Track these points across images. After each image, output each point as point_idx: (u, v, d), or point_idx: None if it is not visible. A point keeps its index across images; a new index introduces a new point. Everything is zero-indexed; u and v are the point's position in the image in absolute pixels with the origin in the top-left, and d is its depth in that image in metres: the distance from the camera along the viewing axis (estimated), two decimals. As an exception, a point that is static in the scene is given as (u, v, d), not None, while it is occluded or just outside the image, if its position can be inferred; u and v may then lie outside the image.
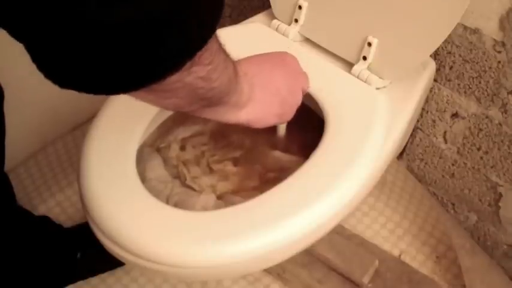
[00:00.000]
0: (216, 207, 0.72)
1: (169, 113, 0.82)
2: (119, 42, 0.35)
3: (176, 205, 0.73)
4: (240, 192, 0.76)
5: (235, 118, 0.57)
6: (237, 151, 0.82)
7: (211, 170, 0.80)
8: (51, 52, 0.36)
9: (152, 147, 0.81)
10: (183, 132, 0.84)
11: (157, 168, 0.77)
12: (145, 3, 0.35)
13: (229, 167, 0.80)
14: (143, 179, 0.74)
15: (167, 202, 0.73)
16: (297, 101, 0.66)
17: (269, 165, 0.80)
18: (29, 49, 0.37)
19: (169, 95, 0.45)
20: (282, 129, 0.78)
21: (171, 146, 0.81)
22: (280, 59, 0.66)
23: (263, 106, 0.60)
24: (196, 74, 0.43)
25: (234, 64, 0.52)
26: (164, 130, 0.83)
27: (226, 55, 0.49)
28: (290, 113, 0.66)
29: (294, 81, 0.66)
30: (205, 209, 0.72)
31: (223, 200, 0.75)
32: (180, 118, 0.84)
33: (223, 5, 0.42)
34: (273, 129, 0.76)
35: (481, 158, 0.94)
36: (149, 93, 0.43)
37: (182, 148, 0.82)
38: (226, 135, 0.84)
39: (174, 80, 0.41)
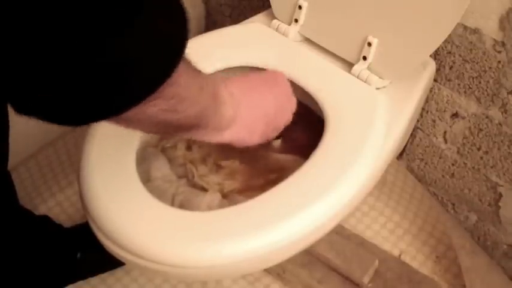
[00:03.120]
0: (221, 206, 0.72)
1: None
2: (82, 79, 0.36)
3: (181, 204, 0.74)
4: (247, 190, 0.76)
5: (217, 139, 0.58)
6: (242, 152, 0.82)
7: (218, 169, 0.80)
8: (19, 82, 0.36)
9: (157, 147, 0.81)
10: None
11: (162, 168, 0.78)
12: (106, 49, 0.36)
13: (237, 165, 0.80)
14: (148, 178, 0.75)
15: (172, 201, 0.74)
16: (284, 121, 0.67)
17: (270, 166, 0.80)
18: None
19: (133, 124, 0.46)
20: (276, 142, 0.79)
21: (177, 146, 0.82)
22: (272, 80, 0.67)
23: (248, 127, 0.61)
24: (158, 106, 0.43)
25: (216, 90, 0.53)
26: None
27: (202, 84, 0.50)
28: (275, 132, 0.67)
29: (283, 103, 0.67)
30: (210, 208, 0.72)
31: (228, 199, 0.75)
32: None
33: (184, 46, 0.42)
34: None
35: (481, 158, 0.94)
36: (115, 122, 0.44)
37: (188, 148, 0.82)
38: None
39: (134, 112, 0.41)
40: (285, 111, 0.67)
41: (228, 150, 0.82)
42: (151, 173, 0.76)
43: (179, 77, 0.43)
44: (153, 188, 0.73)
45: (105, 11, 0.35)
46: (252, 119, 0.61)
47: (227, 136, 0.58)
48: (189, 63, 0.47)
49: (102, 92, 0.38)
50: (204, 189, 0.77)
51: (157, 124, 0.47)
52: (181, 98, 0.46)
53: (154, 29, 0.39)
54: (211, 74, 0.56)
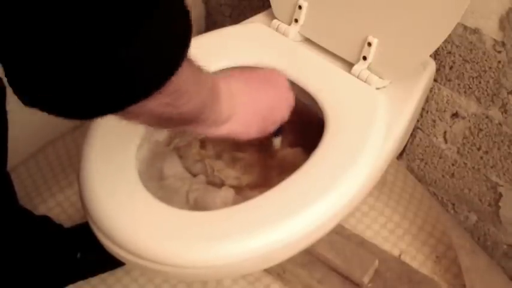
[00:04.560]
0: (235, 202, 0.73)
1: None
2: (91, 77, 0.38)
3: (196, 201, 0.75)
4: (263, 184, 0.77)
5: (215, 133, 0.60)
6: (253, 146, 0.84)
7: (234, 164, 0.81)
8: (30, 73, 0.38)
9: (168, 146, 0.82)
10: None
11: (174, 166, 0.79)
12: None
13: (252, 157, 0.82)
14: (161, 177, 0.76)
15: (186, 198, 0.75)
16: (281, 117, 0.69)
17: (280, 159, 0.82)
18: (4, 63, 0.38)
19: (133, 117, 0.47)
20: (277, 142, 0.79)
21: (192, 144, 0.83)
22: (269, 77, 0.69)
23: (245, 122, 0.63)
24: (159, 100, 0.45)
25: (215, 85, 0.55)
26: (180, 131, 0.85)
27: (201, 79, 0.52)
28: (273, 127, 0.69)
29: (280, 100, 0.69)
30: (225, 204, 0.74)
31: (242, 195, 0.75)
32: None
33: (187, 46, 0.44)
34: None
35: (481, 158, 0.94)
36: (116, 115, 0.45)
37: (202, 146, 0.84)
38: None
39: (136, 106, 0.43)
40: (282, 106, 0.69)
41: (241, 146, 0.83)
42: (164, 172, 0.77)
43: (181, 73, 0.44)
44: (166, 186, 0.75)
45: (114, 19, 0.36)
46: (249, 114, 0.63)
47: (225, 130, 0.60)
48: (189, 59, 0.48)
49: (109, 89, 0.40)
50: (218, 186, 0.78)
51: (158, 117, 0.48)
52: (182, 93, 0.47)
53: (161, 32, 0.40)
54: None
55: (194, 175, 0.80)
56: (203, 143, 0.84)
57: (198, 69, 0.51)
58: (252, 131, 0.65)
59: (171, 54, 0.43)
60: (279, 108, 0.68)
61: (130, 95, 0.41)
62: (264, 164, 0.82)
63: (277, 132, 0.74)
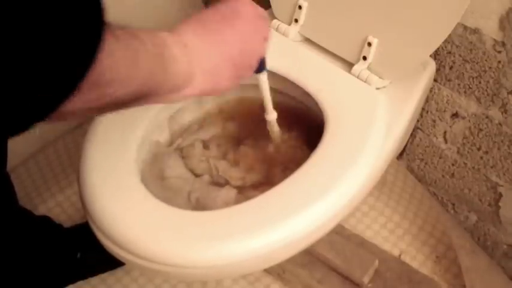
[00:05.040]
0: (237, 201, 0.73)
1: (171, 114, 0.83)
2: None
3: (198, 201, 0.75)
4: (267, 183, 0.77)
5: (179, 98, 0.52)
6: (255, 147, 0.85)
7: (237, 164, 0.81)
8: None
9: (169, 147, 0.83)
10: (203, 134, 0.86)
11: (176, 167, 0.79)
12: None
13: (256, 155, 0.82)
14: (163, 177, 0.76)
15: (188, 198, 0.75)
16: (257, 55, 0.60)
17: (282, 156, 0.82)
18: None
19: (67, 117, 0.41)
20: (272, 116, 0.78)
21: (195, 144, 0.83)
22: (232, 12, 0.57)
23: (212, 75, 0.54)
24: (84, 97, 0.39)
25: (160, 48, 0.47)
26: (181, 132, 0.86)
27: (137, 53, 0.43)
28: (249, 71, 0.60)
29: (250, 35, 0.58)
30: (227, 203, 0.74)
31: (244, 194, 0.76)
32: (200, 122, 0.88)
33: (98, 40, 0.37)
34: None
35: (481, 158, 0.94)
36: (49, 121, 0.39)
37: (205, 147, 0.84)
38: (241, 138, 0.86)
39: (61, 111, 0.37)
40: (254, 42, 0.59)
41: (241, 140, 0.84)
42: (166, 172, 0.77)
43: (99, 64, 0.38)
44: (168, 187, 0.75)
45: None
46: (214, 65, 0.54)
47: (189, 92, 0.52)
48: (115, 39, 0.40)
49: (15, 106, 0.34)
50: (222, 186, 0.78)
51: (94, 110, 0.42)
52: (107, 82, 0.40)
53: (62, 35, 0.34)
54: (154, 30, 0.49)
55: (198, 175, 0.81)
56: (207, 144, 0.84)
57: (130, 41, 0.43)
58: (224, 83, 0.56)
59: (74, 52, 0.35)
60: (251, 47, 0.58)
61: (41, 107, 0.36)
62: (267, 161, 0.82)
63: (260, 69, 0.67)
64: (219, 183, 0.79)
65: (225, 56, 0.55)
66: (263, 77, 0.71)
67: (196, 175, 0.81)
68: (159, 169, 0.77)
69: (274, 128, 0.79)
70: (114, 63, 0.40)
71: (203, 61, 0.52)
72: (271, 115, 0.77)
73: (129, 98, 0.45)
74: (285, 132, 0.82)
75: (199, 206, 0.75)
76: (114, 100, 0.42)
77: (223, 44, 0.55)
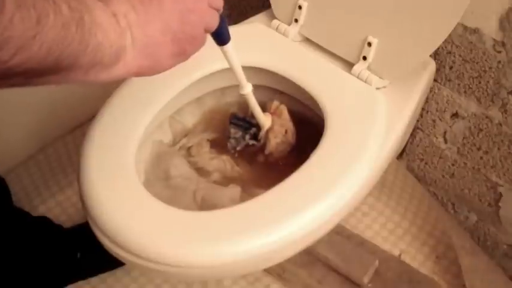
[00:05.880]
0: (242, 199, 0.74)
1: (171, 114, 0.83)
2: None
3: (203, 199, 0.75)
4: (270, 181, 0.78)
5: (109, 76, 0.46)
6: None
7: (243, 162, 0.83)
8: None
9: (173, 147, 0.83)
10: (207, 134, 0.87)
11: (181, 166, 0.79)
12: None
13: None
14: (167, 177, 0.76)
15: (194, 197, 0.75)
16: (202, 24, 0.52)
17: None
18: None
19: None
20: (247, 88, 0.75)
21: (203, 144, 0.84)
22: None
23: (149, 51, 0.48)
24: None
25: (82, 14, 0.41)
26: (185, 132, 0.87)
27: (45, 14, 0.38)
28: (193, 44, 0.52)
29: (192, 2, 0.51)
30: (232, 201, 0.74)
31: (248, 192, 0.76)
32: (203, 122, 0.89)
33: None
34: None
35: (481, 158, 0.94)
36: None
37: (211, 147, 0.85)
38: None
39: None
40: (197, 13, 0.51)
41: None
42: (171, 172, 0.77)
43: None
44: (173, 186, 0.75)
45: None
46: (151, 40, 0.48)
47: (122, 69, 0.46)
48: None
49: None
50: (236, 181, 0.79)
51: None
52: (1, 43, 0.35)
53: None
54: None
55: (205, 174, 0.81)
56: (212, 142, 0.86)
57: (36, 1, 0.38)
58: (165, 60, 0.50)
59: None
60: (194, 19, 0.51)
61: None
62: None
63: (222, 40, 0.63)
64: (225, 181, 0.80)
65: (163, 30, 0.49)
66: (227, 49, 0.66)
67: (205, 173, 0.81)
68: (164, 168, 0.78)
69: (252, 100, 0.76)
70: (9, 22, 0.35)
71: (137, 32, 0.47)
72: (246, 88, 0.73)
73: (39, 67, 0.39)
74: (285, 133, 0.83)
75: (204, 204, 0.75)
76: (17, 65, 0.37)
77: (160, 16, 0.49)
